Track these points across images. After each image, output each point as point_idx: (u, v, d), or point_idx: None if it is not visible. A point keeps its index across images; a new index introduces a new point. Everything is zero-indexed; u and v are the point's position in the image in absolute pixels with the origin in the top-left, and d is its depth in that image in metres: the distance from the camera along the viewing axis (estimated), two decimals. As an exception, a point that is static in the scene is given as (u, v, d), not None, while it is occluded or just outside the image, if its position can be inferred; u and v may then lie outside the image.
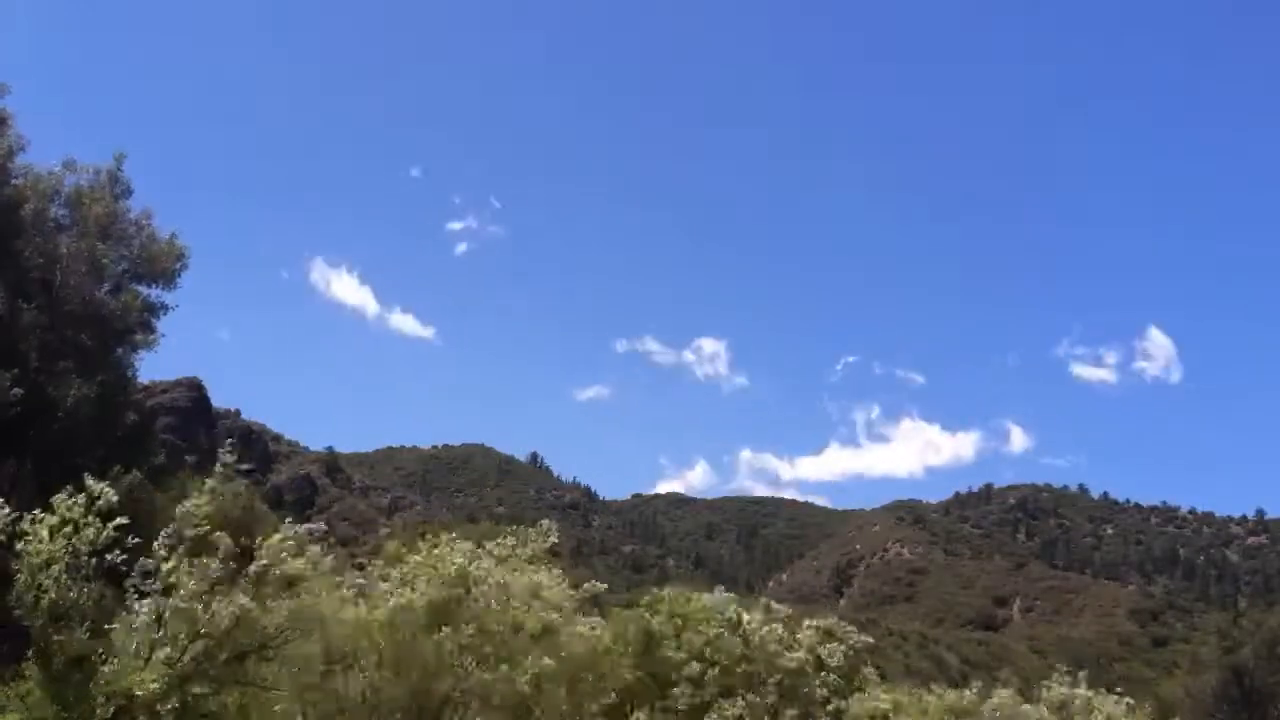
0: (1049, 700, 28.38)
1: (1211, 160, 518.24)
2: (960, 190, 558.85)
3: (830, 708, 24.42)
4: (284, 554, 16.70)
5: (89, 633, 15.09)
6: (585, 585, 20.62)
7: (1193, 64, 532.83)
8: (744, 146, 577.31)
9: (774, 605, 26.14)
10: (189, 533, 15.89)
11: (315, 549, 18.02)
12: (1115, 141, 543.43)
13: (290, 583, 16.72)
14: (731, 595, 26.12)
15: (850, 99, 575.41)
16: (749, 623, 24.10)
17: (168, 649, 15.46)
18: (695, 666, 22.81)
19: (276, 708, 17.51)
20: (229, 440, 22.11)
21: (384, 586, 18.37)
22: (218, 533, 16.06)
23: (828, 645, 25.20)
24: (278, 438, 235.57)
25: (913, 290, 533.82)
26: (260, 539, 16.85)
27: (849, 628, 27.98)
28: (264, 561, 16.52)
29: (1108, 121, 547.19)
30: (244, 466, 17.41)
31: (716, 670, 22.96)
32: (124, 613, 15.65)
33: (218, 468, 16.60)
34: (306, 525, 18.84)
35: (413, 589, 17.93)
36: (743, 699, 22.42)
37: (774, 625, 24.37)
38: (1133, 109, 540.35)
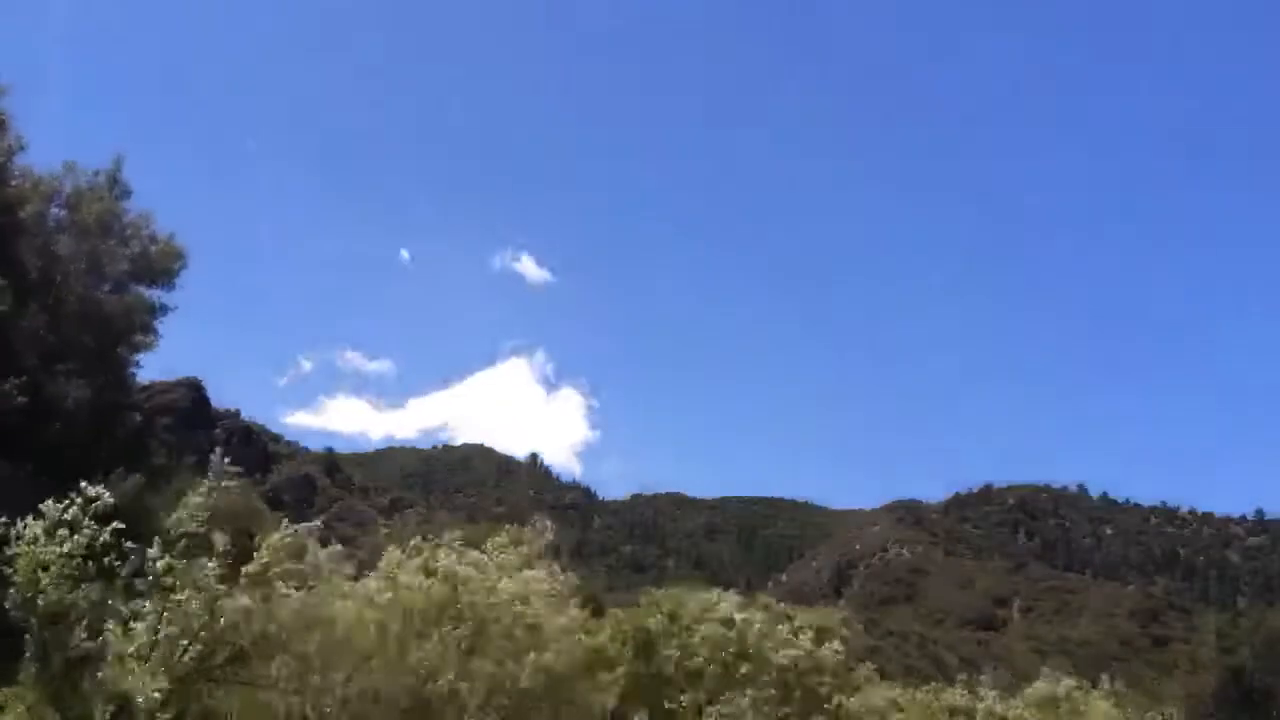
0: (1034, 695, 28.43)
1: None
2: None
3: (829, 706, 24.44)
4: (283, 552, 16.75)
5: (87, 634, 15.15)
6: (564, 579, 20.31)
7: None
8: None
9: (771, 602, 26.18)
10: (187, 530, 15.94)
11: (315, 547, 18.05)
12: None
13: (289, 581, 16.75)
14: (728, 593, 26.11)
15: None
16: (746, 620, 24.11)
17: (167, 650, 15.52)
18: (693, 664, 22.85)
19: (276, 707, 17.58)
20: (222, 443, 22.01)
21: (371, 586, 18.36)
22: (215, 532, 16.10)
23: (826, 643, 25.20)
24: (277, 438, 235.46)
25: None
26: (259, 537, 16.91)
27: (845, 618, 27.97)
28: (264, 560, 16.59)
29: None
30: (235, 469, 17.46)
31: (714, 668, 23.00)
32: (122, 613, 15.70)
33: (210, 472, 16.62)
34: (305, 525, 18.82)
35: (396, 589, 17.95)
36: (742, 696, 22.41)
37: (771, 622, 24.39)
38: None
